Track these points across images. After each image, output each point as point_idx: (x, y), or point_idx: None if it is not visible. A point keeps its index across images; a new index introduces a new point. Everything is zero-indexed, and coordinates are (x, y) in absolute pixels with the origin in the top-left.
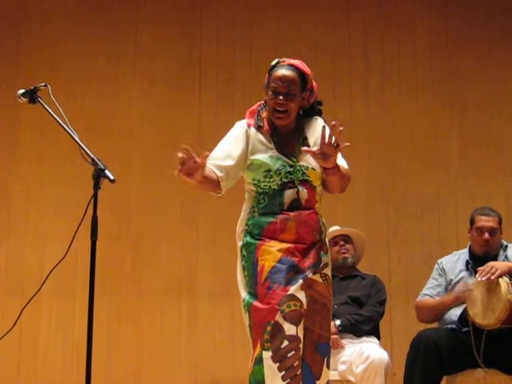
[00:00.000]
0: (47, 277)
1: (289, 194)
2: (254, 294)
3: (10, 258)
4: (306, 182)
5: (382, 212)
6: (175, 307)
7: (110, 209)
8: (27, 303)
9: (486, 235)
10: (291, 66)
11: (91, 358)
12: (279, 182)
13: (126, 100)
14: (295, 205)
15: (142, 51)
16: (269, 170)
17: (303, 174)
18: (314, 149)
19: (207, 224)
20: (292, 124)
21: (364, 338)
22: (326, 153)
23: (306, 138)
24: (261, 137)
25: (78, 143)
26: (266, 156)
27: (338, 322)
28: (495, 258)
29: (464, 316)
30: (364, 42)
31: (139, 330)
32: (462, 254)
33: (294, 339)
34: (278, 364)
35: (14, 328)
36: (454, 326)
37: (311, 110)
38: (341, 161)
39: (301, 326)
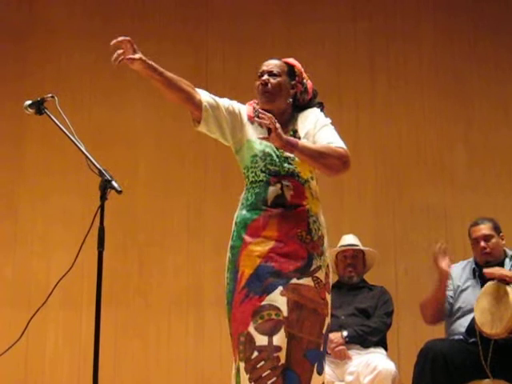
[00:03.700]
0: (54, 288)
1: (272, 190)
2: (231, 301)
3: (16, 269)
4: (292, 177)
5: (389, 223)
6: (182, 319)
7: (117, 220)
8: (34, 314)
9: (482, 243)
10: (278, 58)
11: (98, 370)
12: (263, 168)
13: (132, 112)
14: (280, 201)
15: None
16: (255, 155)
17: (289, 164)
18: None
19: (213, 235)
20: (284, 116)
21: (371, 349)
22: (262, 124)
23: (296, 131)
24: (257, 126)
25: (84, 154)
26: (256, 141)
27: (345, 333)
28: (500, 266)
29: (472, 327)
30: (370, 54)
31: (146, 341)
32: (469, 263)
33: (264, 349)
34: (248, 375)
35: (20, 339)
36: (461, 337)
37: (297, 100)
38: (330, 139)
39: (280, 335)
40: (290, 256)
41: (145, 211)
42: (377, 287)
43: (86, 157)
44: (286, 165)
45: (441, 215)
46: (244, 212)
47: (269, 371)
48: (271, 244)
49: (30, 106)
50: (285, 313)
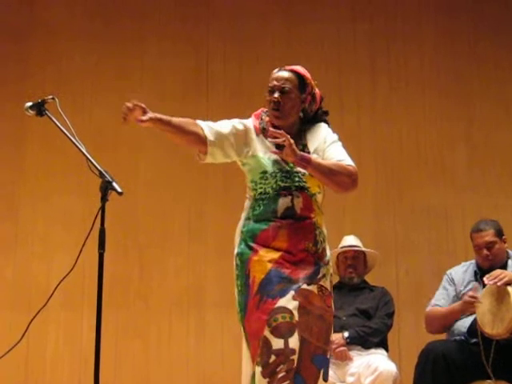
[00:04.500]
0: (55, 289)
1: (283, 202)
2: (245, 307)
3: (17, 270)
4: (302, 190)
5: (390, 223)
6: (183, 320)
7: (118, 222)
8: (35, 316)
9: (485, 251)
10: (288, 68)
11: (99, 372)
12: (274, 186)
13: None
14: (289, 213)
15: (148, 65)
16: (265, 172)
17: (300, 179)
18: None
19: (214, 236)
20: (293, 129)
21: (372, 350)
22: (276, 142)
23: (305, 145)
24: (263, 138)
25: (85, 155)
26: (264, 157)
27: (346, 334)
28: (504, 269)
29: (473, 327)
30: (370, 55)
31: (147, 342)
32: (471, 265)
33: (281, 353)
34: (267, 379)
35: (21, 341)
36: (462, 338)
37: (315, 119)
38: (340, 157)
39: (294, 337)
40: (299, 265)
41: (146, 213)
42: (378, 288)
43: (87, 158)
44: (296, 179)
45: (442, 215)
46: (251, 222)
47: (284, 373)
48: (281, 253)
49: (30, 107)
50: (296, 317)
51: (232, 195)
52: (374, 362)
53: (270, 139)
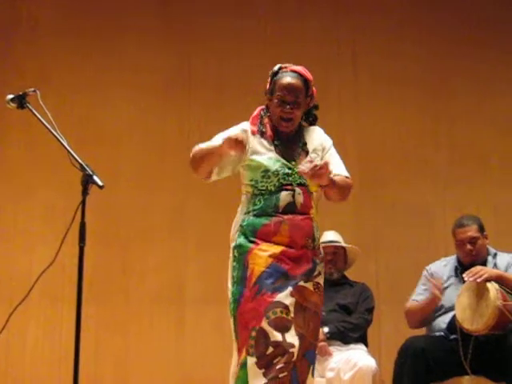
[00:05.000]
0: (35, 283)
1: (284, 197)
2: (240, 297)
3: None
4: (302, 187)
5: (371, 220)
6: (163, 315)
7: (99, 216)
8: (15, 309)
9: (468, 246)
10: (295, 72)
11: (78, 366)
12: (277, 184)
13: (116, 109)
14: (290, 208)
15: (130, 61)
16: (267, 171)
17: (301, 177)
18: (306, 169)
19: (195, 232)
20: (293, 129)
21: (352, 346)
22: (316, 173)
23: (305, 144)
24: (262, 140)
25: (66, 149)
26: (264, 157)
27: (326, 329)
28: (484, 265)
29: (453, 323)
30: (353, 52)
31: (127, 337)
32: (451, 260)
33: (279, 345)
34: (263, 370)
35: (1, 333)
36: (442, 334)
37: (309, 114)
38: (340, 169)
39: (292, 333)
40: (299, 261)
41: (127, 207)
42: (358, 284)
43: (69, 152)
44: (297, 177)
45: (422, 212)
46: (251, 217)
47: (283, 364)
48: (282, 248)
49: (12, 100)
50: (292, 313)
51: (214, 191)
52: (354, 357)
53: (308, 173)
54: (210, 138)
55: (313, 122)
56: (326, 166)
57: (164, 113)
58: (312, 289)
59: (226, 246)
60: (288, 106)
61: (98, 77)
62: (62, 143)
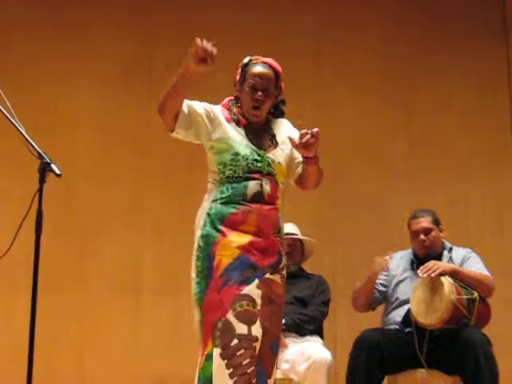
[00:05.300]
0: None
1: (252, 186)
2: (205, 288)
3: None
4: (270, 176)
5: (329, 211)
6: (120, 303)
7: (56, 204)
8: None
9: (422, 236)
10: (266, 64)
11: (33, 354)
12: (245, 168)
13: (74, 98)
14: (258, 198)
15: (91, 50)
16: (237, 154)
17: (269, 165)
18: (297, 140)
19: (152, 221)
20: (262, 120)
21: (307, 338)
22: (307, 142)
23: (274, 136)
24: (234, 125)
25: (24, 137)
26: (236, 141)
27: (282, 321)
28: (439, 259)
29: (407, 316)
30: (315, 42)
31: (83, 325)
32: (407, 254)
33: (244, 338)
34: (226, 361)
35: None
36: (397, 327)
37: (276, 108)
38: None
39: (257, 326)
40: (266, 252)
41: (85, 196)
42: (315, 276)
43: (26, 140)
44: (266, 164)
45: (380, 204)
46: (218, 205)
47: (249, 359)
48: (250, 237)
49: None
50: (259, 306)
51: (171, 180)
52: (308, 349)
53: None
54: None
55: (279, 116)
56: (317, 134)
57: (123, 101)
58: (279, 281)
59: (183, 236)
60: (259, 93)
61: (56, 66)
62: (20, 131)
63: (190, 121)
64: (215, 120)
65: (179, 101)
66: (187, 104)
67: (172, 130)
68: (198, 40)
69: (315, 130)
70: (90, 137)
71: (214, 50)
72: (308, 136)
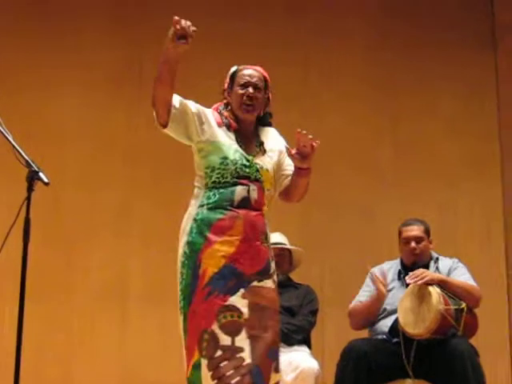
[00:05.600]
0: None
1: (240, 191)
2: (191, 295)
3: None
4: (258, 183)
5: (316, 220)
6: (107, 312)
7: (44, 213)
8: None
9: (412, 244)
10: (255, 69)
11: (20, 365)
12: (234, 173)
13: (63, 106)
14: (245, 203)
15: (80, 58)
16: (225, 158)
17: (257, 171)
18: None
19: (140, 230)
20: (251, 126)
21: (295, 347)
22: (303, 152)
23: (262, 143)
24: (225, 129)
25: (12, 144)
26: (226, 144)
27: None
28: (425, 268)
29: (395, 326)
30: (303, 50)
31: (70, 334)
32: (395, 264)
33: (227, 349)
34: (211, 372)
35: None
36: (384, 337)
37: (264, 119)
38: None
39: (241, 337)
40: (253, 258)
41: (72, 204)
42: (303, 286)
43: (14, 147)
44: (254, 172)
45: (367, 212)
46: (205, 211)
47: (232, 371)
48: (236, 245)
49: None
50: (246, 315)
51: (159, 188)
52: (296, 359)
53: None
54: (158, 134)
55: (267, 125)
56: (316, 145)
57: (112, 109)
58: (272, 286)
59: (170, 245)
60: (250, 89)
61: (45, 73)
62: (7, 138)
63: (182, 116)
64: (206, 122)
65: (168, 90)
66: (180, 100)
67: (165, 126)
68: (177, 18)
69: (317, 141)
70: (78, 145)
71: (193, 27)
72: (308, 140)
